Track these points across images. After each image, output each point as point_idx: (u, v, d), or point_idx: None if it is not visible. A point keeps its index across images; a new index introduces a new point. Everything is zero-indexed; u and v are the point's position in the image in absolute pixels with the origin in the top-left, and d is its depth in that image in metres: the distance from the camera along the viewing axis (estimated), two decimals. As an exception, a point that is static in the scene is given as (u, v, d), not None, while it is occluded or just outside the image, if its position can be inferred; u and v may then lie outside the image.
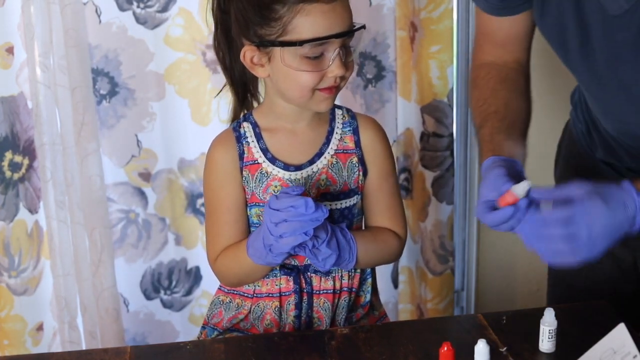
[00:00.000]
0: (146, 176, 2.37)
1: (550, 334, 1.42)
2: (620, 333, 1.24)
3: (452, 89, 2.45)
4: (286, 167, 1.57)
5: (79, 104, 2.17)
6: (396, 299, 2.64)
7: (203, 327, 1.69)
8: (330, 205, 1.58)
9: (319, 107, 1.53)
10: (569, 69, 1.57)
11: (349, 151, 1.60)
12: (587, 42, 1.46)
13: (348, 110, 1.64)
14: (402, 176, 2.54)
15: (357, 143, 1.61)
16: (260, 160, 1.57)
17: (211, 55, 2.26)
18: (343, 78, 1.50)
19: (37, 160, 2.21)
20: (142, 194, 2.38)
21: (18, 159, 2.19)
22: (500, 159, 1.43)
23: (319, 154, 1.59)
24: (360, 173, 1.61)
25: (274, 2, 1.45)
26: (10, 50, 2.12)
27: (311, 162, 1.58)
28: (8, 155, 2.16)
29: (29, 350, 2.30)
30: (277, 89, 1.54)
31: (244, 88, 1.61)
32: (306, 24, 1.44)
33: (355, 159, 1.60)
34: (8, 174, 2.17)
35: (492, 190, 1.35)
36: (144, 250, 2.43)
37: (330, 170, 1.59)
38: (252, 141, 1.58)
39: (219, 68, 2.24)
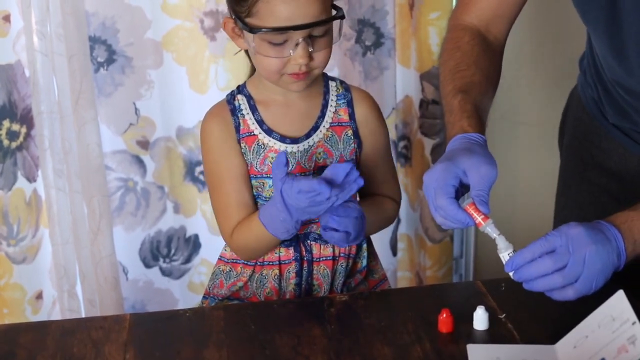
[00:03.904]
0: (144, 144, 2.36)
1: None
2: (619, 300, 1.24)
3: (451, 56, 2.44)
4: (282, 138, 1.56)
5: (76, 72, 2.16)
6: (395, 266, 2.64)
7: (204, 297, 1.69)
8: None
9: (289, 89, 1.52)
10: (589, 29, 1.55)
11: (344, 124, 1.59)
12: (614, 14, 1.44)
13: (342, 82, 1.63)
14: (401, 144, 2.54)
15: (352, 116, 1.60)
16: (256, 132, 1.56)
17: (209, 22, 2.25)
18: (312, 66, 1.48)
19: (35, 129, 2.21)
20: (140, 162, 2.38)
21: (16, 127, 2.18)
22: (477, 142, 1.42)
23: (315, 128, 1.58)
24: (355, 145, 1.60)
25: None
26: (7, 19, 2.10)
27: (307, 135, 1.57)
28: (6, 123, 2.15)
29: (29, 319, 2.30)
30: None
31: None
32: (267, 11, 1.42)
33: (350, 132, 1.59)
34: (6, 142, 2.16)
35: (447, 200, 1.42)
36: (143, 219, 2.43)
37: (326, 144, 1.58)
38: (247, 113, 1.57)
39: (216, 35, 2.25)
